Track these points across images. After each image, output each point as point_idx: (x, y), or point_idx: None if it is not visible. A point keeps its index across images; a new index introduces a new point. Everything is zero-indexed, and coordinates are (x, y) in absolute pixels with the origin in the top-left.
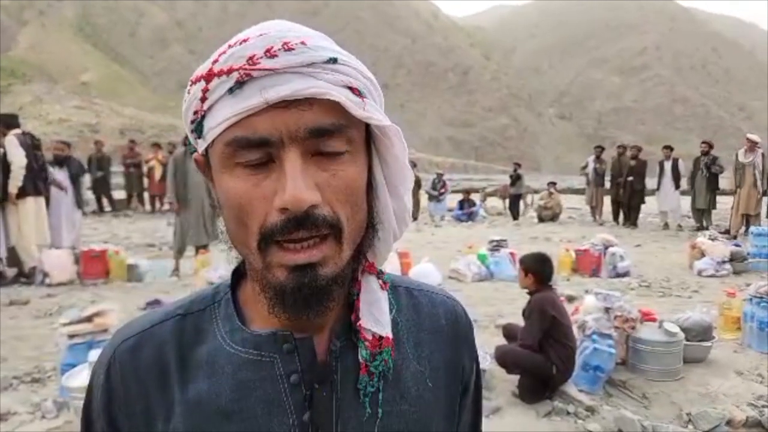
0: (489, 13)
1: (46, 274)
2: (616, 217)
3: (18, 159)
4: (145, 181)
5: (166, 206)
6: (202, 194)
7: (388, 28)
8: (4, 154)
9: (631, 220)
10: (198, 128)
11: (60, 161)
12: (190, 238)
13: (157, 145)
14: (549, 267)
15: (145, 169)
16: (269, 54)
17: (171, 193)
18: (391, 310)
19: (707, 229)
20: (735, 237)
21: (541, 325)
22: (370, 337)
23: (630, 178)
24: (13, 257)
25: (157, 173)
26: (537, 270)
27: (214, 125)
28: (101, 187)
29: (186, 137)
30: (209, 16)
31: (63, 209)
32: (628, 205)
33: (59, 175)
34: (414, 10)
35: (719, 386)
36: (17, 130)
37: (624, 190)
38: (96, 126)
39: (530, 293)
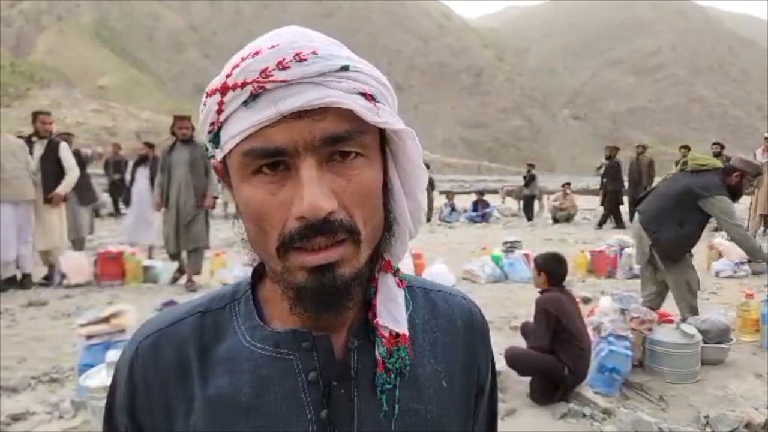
0: (502, 13)
1: (63, 276)
2: (632, 218)
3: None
4: None
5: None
6: (183, 191)
7: (401, 30)
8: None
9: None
10: (215, 139)
11: (143, 161)
12: (174, 240)
13: None
14: (562, 267)
15: None
16: (281, 66)
17: (157, 189)
18: (407, 309)
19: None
20: (753, 237)
21: (547, 325)
22: (387, 335)
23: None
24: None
25: None
26: (549, 269)
27: (230, 137)
28: (118, 190)
29: (172, 126)
30: (223, 20)
31: (142, 208)
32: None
33: (141, 174)
34: (426, 11)
35: (737, 388)
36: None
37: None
38: (113, 129)
39: (541, 293)
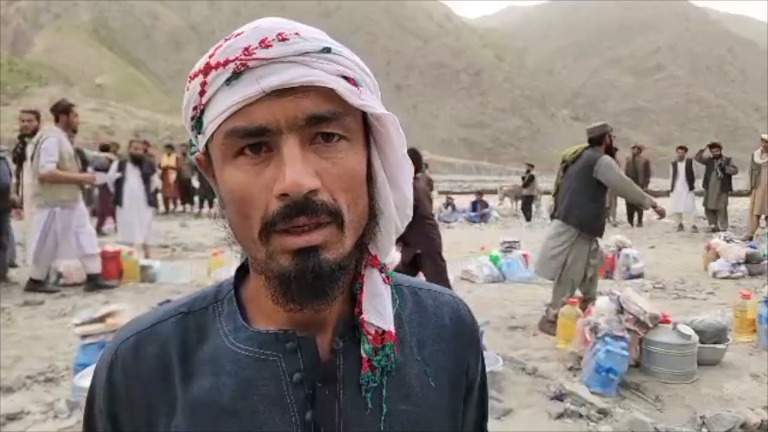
0: (502, 14)
1: (60, 275)
2: (630, 219)
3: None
4: (159, 182)
5: (180, 208)
6: None
7: (401, 30)
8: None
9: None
10: (198, 123)
11: (136, 160)
12: None
13: (169, 147)
14: (418, 157)
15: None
16: (264, 44)
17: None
18: (393, 306)
19: (720, 230)
20: (751, 238)
21: None
22: (372, 332)
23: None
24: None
25: (171, 176)
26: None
27: (213, 117)
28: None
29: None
30: (222, 19)
31: (135, 207)
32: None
33: (133, 173)
34: (426, 11)
35: (734, 389)
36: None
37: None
38: (111, 128)
39: None
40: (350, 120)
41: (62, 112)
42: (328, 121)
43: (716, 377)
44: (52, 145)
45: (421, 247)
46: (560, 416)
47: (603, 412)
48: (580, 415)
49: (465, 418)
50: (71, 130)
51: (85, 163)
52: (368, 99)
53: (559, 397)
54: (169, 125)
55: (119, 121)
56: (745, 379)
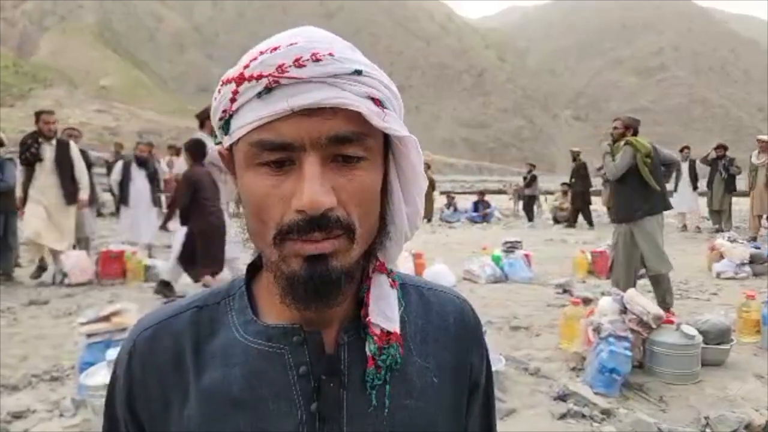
0: (503, 14)
1: (65, 275)
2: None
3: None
4: (162, 183)
5: None
6: None
7: (403, 31)
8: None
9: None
10: (225, 126)
11: (141, 162)
12: None
13: (172, 148)
14: (201, 147)
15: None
16: (298, 64)
17: None
18: (399, 307)
19: (724, 230)
20: (755, 239)
21: (186, 189)
22: (378, 332)
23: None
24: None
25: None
26: (194, 151)
27: (240, 126)
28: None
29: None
30: (226, 21)
31: (142, 207)
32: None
33: (139, 174)
34: (428, 12)
35: (738, 390)
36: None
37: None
38: (115, 129)
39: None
40: (372, 140)
41: (208, 117)
42: (351, 141)
43: (720, 378)
44: (212, 152)
45: (198, 228)
46: (563, 416)
47: (606, 413)
48: (583, 416)
49: (470, 417)
50: (215, 135)
51: (89, 164)
52: (392, 121)
53: (562, 397)
54: (173, 126)
55: (123, 123)
56: (749, 379)
